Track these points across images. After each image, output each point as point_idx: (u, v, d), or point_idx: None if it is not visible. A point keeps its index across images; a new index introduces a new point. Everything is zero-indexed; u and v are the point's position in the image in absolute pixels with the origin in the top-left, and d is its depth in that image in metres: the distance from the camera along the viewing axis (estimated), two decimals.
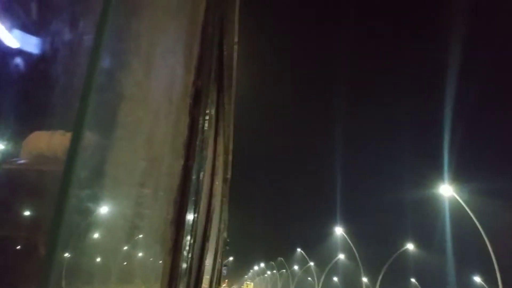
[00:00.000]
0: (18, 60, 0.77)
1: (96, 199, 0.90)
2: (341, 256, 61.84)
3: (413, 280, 58.97)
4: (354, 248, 48.75)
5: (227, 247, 14.62)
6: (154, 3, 1.34)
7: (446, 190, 25.53)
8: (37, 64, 0.78)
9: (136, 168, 1.27)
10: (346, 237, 50.47)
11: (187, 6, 2.05)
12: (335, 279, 69.69)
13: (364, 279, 49.20)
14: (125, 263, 1.27)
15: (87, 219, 0.85)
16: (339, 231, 51.50)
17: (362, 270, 48.37)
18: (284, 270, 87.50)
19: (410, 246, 47.87)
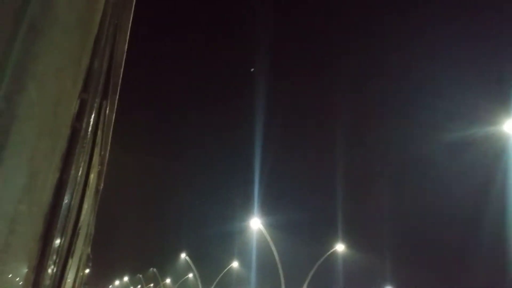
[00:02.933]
0: None
1: None
2: (190, 275, 62.70)
3: None
4: (194, 269, 52.68)
5: (90, 264, 13.65)
6: (50, 22, 1.35)
7: (254, 223, 31.82)
8: None
9: (17, 185, 1.25)
10: (188, 260, 55.11)
11: (82, 20, 2.05)
12: None
13: None
14: None
15: None
16: (183, 255, 56.75)
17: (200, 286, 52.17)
18: (152, 285, 79.47)
19: (235, 264, 53.16)
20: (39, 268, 1.75)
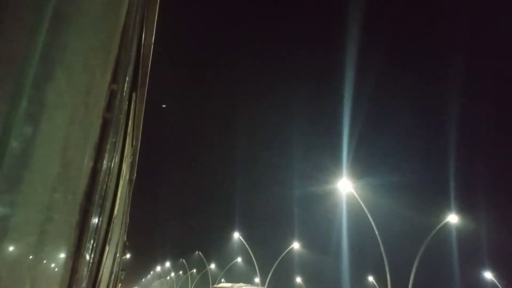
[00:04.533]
0: None
1: (11, 204, 0.91)
2: (239, 259, 57.59)
3: (298, 280, 58.45)
4: (250, 251, 45.37)
5: (127, 251, 14.10)
6: (76, 11, 1.36)
7: (344, 186, 23.42)
8: None
9: (50, 173, 1.28)
10: (243, 240, 46.30)
11: (108, 11, 2.06)
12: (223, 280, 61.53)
13: (256, 279, 46.77)
14: (30, 268, 1.26)
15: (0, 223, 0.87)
16: (236, 235, 47.65)
17: (257, 270, 45.72)
18: (194, 271, 71.43)
19: (296, 245, 44.82)
20: (76, 255, 1.80)
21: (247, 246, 47.06)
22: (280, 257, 45.91)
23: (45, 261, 1.48)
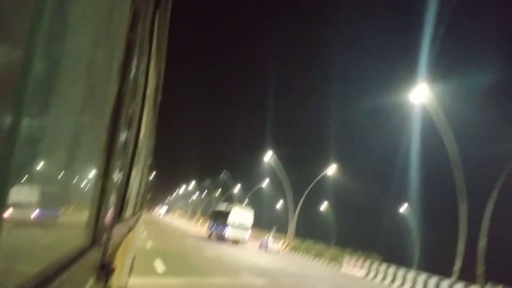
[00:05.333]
0: None
1: (38, 129, 0.91)
2: (266, 182, 55.58)
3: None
4: (277, 172, 42.82)
5: (153, 170, 14.75)
6: None
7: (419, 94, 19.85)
8: None
9: (76, 96, 1.26)
10: (274, 159, 42.43)
11: None
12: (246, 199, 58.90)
13: (280, 203, 46.12)
14: (60, 189, 1.31)
15: (30, 147, 0.87)
16: (269, 155, 43.11)
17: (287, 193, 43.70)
18: (219, 191, 70.52)
19: (332, 170, 41.70)
20: (105, 176, 1.85)
21: (275, 166, 41.53)
22: (315, 181, 42.28)
23: (74, 182, 1.53)
